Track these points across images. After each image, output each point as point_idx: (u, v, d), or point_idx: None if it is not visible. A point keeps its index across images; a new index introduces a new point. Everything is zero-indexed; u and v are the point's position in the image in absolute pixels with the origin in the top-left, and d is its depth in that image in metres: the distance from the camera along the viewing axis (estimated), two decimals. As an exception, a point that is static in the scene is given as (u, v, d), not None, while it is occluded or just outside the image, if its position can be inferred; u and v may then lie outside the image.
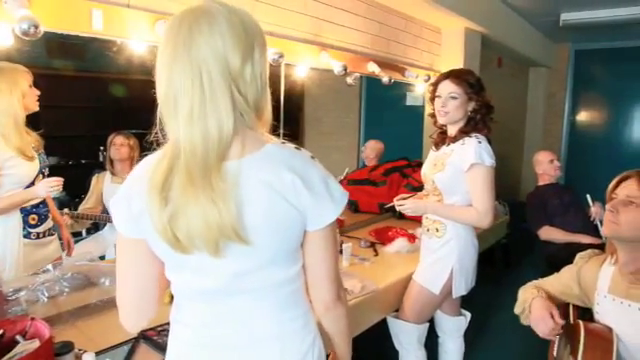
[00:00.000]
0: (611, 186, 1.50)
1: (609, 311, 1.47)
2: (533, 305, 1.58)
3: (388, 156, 3.69)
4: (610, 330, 1.43)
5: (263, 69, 0.89)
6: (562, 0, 4.19)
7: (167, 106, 0.84)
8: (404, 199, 2.08)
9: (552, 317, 1.50)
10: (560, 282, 1.66)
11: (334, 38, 2.72)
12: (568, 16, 4.54)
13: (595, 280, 1.53)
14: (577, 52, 6.28)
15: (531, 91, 6.48)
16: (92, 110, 2.53)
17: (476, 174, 1.88)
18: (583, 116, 6.46)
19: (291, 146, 0.93)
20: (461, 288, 2.02)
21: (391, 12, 3.26)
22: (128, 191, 0.90)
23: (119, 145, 2.29)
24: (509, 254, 4.25)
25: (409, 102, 4.08)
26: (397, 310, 2.16)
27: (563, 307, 1.65)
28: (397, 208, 2.07)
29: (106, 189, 2.33)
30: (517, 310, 1.67)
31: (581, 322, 1.48)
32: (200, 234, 0.83)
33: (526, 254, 4.35)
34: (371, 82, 3.24)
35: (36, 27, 1.37)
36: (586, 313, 1.61)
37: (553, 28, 4.92)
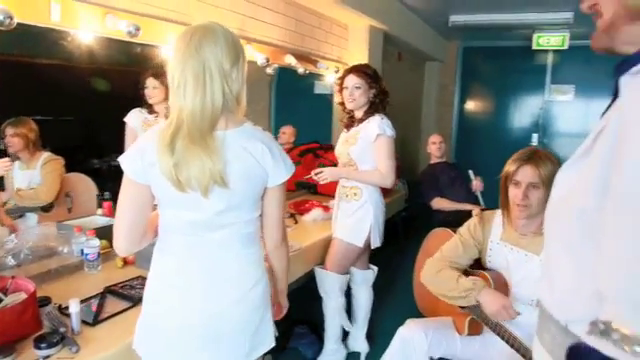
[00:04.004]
0: (508, 175, 1.72)
1: (500, 254, 1.81)
2: (487, 296, 1.68)
3: (299, 140, 4.06)
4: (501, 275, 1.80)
5: (244, 71, 1.29)
6: (451, 4, 4.81)
7: (177, 89, 1.21)
8: (320, 170, 2.51)
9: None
10: (466, 252, 1.89)
11: (257, 33, 3.03)
12: (456, 18, 5.20)
13: (489, 232, 1.87)
14: (465, 49, 7.05)
15: (426, 82, 7.17)
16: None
17: (380, 143, 2.37)
18: (470, 105, 7.31)
19: (259, 128, 1.34)
20: (377, 240, 2.51)
21: (306, 10, 3.61)
22: (142, 147, 1.24)
23: (9, 137, 2.22)
24: (409, 225, 4.87)
25: (317, 90, 4.45)
26: (321, 264, 2.57)
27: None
28: (314, 177, 2.50)
29: (17, 177, 2.33)
30: (453, 296, 1.77)
31: (486, 273, 1.82)
32: (196, 177, 1.18)
33: (424, 225, 4.99)
34: (281, 72, 3.55)
35: (11, 18, 1.54)
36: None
37: (444, 28, 5.57)
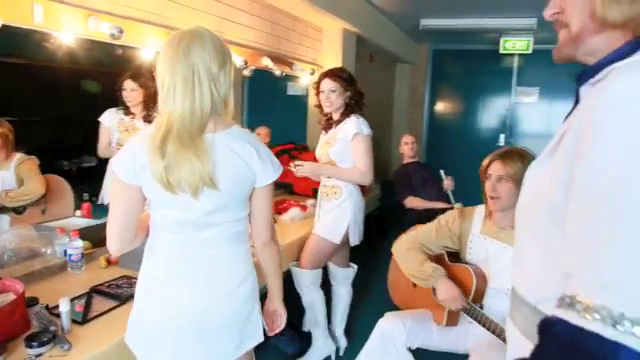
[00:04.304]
0: (483, 169, 1.88)
1: (480, 247, 1.93)
2: (441, 285, 1.87)
3: (273, 141, 4.07)
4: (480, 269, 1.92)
5: (231, 74, 1.31)
6: (422, 8, 4.96)
7: (167, 94, 1.23)
8: (300, 164, 2.55)
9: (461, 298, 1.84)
10: (438, 238, 2.03)
11: (235, 35, 3.07)
12: (426, 22, 5.34)
13: (470, 227, 1.98)
14: (435, 52, 7.23)
15: (397, 84, 7.31)
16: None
17: (357, 141, 2.44)
18: (440, 106, 7.50)
19: (247, 130, 1.39)
20: (355, 238, 2.58)
21: (281, 13, 3.67)
22: (132, 149, 1.27)
23: None
24: (383, 224, 4.98)
25: (290, 92, 4.50)
26: (297, 260, 2.63)
27: (437, 257, 2.08)
28: (293, 169, 2.55)
29: None
30: (415, 276, 1.97)
31: (468, 266, 1.93)
32: (186, 179, 1.22)
33: (397, 223, 5.11)
34: (253, 73, 3.56)
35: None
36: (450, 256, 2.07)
37: (415, 31, 5.72)
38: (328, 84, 2.52)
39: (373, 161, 2.50)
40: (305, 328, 2.75)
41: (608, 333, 0.55)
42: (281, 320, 1.59)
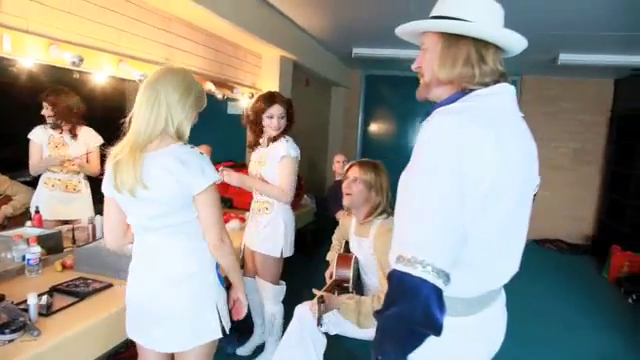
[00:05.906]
0: (345, 172, 2.43)
1: (353, 241, 2.44)
2: (332, 263, 2.50)
3: (214, 159, 4.29)
4: (352, 254, 2.44)
5: (190, 108, 1.56)
6: (353, 39, 5.44)
7: (135, 111, 1.53)
8: (229, 169, 2.69)
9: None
10: (340, 233, 2.74)
11: (181, 62, 3.35)
12: (358, 51, 5.85)
13: (349, 227, 2.50)
14: (367, 77, 7.76)
15: (332, 106, 7.78)
16: None
17: (284, 163, 2.62)
18: (372, 127, 8.02)
19: (188, 146, 1.55)
20: (287, 250, 2.78)
21: (224, 41, 3.98)
22: (110, 164, 1.56)
23: None
24: (317, 237, 5.33)
25: (230, 111, 4.75)
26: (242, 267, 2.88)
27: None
28: (220, 169, 2.63)
29: None
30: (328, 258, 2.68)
31: (353, 254, 2.45)
32: (125, 182, 1.50)
33: (330, 235, 5.46)
34: None
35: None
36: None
37: (348, 58, 6.21)
38: (278, 110, 2.64)
39: (295, 182, 2.67)
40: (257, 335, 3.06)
41: (416, 272, 0.94)
42: (242, 310, 1.79)
